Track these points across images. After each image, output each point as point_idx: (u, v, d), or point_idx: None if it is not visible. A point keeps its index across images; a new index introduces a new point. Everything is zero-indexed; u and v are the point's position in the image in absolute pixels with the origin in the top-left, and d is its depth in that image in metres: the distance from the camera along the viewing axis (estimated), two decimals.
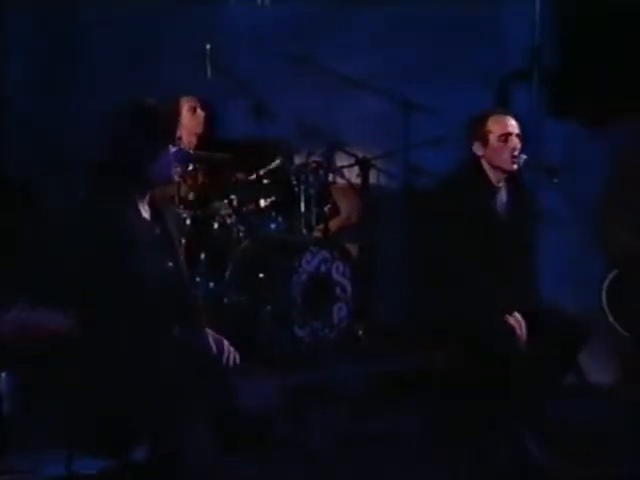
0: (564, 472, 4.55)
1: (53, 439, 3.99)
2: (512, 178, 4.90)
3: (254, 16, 6.75)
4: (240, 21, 6.80)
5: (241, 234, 5.92)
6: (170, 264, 3.73)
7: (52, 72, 6.83)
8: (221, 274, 5.74)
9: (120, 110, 3.73)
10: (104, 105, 3.95)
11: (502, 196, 4.91)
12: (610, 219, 5.08)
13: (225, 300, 5.70)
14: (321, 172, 6.09)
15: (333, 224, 6.28)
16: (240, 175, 6.05)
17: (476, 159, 4.87)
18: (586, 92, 5.99)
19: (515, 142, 4.82)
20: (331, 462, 4.60)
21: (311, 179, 6.02)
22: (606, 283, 5.04)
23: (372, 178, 6.27)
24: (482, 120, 4.85)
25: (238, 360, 3.80)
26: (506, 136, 4.82)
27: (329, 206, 6.17)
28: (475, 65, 6.30)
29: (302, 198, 5.98)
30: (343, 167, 6.28)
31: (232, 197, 5.95)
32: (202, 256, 5.74)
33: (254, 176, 5.96)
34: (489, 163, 4.86)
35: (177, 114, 3.84)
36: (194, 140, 6.18)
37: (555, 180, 4.92)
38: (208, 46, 6.03)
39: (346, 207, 6.37)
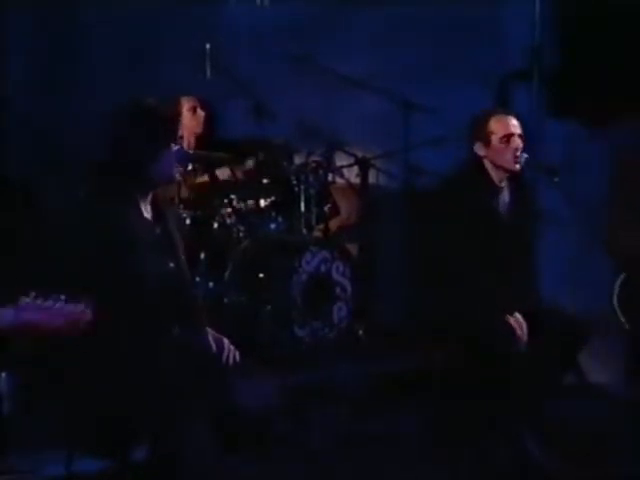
0: (564, 472, 4.55)
1: (53, 439, 4.00)
2: (514, 178, 4.89)
3: (254, 16, 6.75)
4: (240, 21, 6.80)
5: (241, 234, 5.92)
6: (171, 264, 3.73)
7: (52, 72, 6.83)
8: (221, 274, 5.74)
9: (120, 110, 3.73)
10: (104, 105, 3.95)
11: (504, 196, 4.90)
12: (615, 220, 5.09)
13: (225, 300, 5.70)
14: (321, 172, 6.09)
15: (333, 224, 6.27)
16: (240, 175, 6.06)
17: (478, 159, 4.87)
18: (586, 92, 5.99)
19: (517, 142, 4.81)
20: (331, 462, 4.60)
21: (311, 179, 6.02)
22: (617, 285, 5.05)
23: (372, 178, 6.27)
24: (484, 120, 4.84)
25: (238, 358, 3.80)
26: (508, 137, 4.81)
27: (329, 206, 6.17)
28: (475, 65, 6.30)
29: (302, 198, 5.98)
30: (343, 167, 6.28)
31: (232, 197, 5.95)
32: (202, 256, 5.74)
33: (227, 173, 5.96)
34: (492, 163, 4.85)
35: (178, 114, 3.83)
36: (193, 140, 6.18)
37: (555, 180, 4.92)
38: (208, 46, 6.03)
39: (346, 207, 6.36)
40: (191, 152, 6.00)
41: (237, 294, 5.71)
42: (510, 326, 4.66)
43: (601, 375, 5.76)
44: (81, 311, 3.27)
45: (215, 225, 5.91)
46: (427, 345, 4.92)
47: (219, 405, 3.60)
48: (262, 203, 6.02)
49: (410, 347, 5.23)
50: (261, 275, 5.71)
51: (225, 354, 3.78)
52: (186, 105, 6.13)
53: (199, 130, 6.21)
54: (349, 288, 5.83)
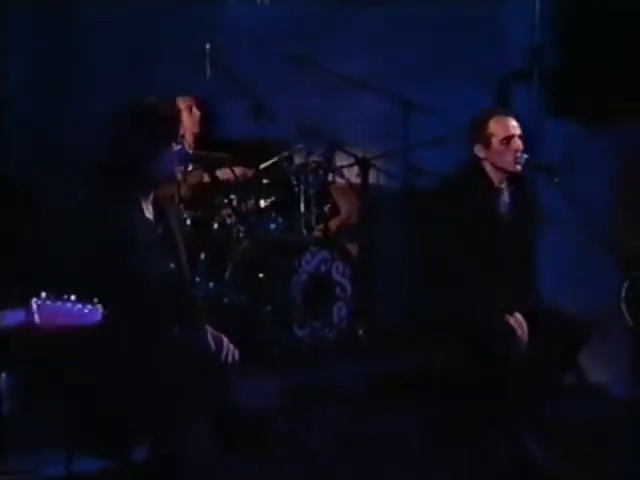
0: (564, 472, 4.55)
1: (53, 439, 4.00)
2: (515, 179, 4.89)
3: (254, 16, 6.75)
4: (240, 21, 6.80)
5: (241, 234, 5.92)
6: (172, 264, 3.73)
7: (52, 72, 6.83)
8: (221, 274, 5.74)
9: (120, 110, 3.73)
10: (104, 105, 3.95)
11: (504, 197, 4.90)
12: (617, 220, 5.09)
13: (225, 300, 5.70)
14: (321, 172, 6.09)
15: (333, 224, 6.27)
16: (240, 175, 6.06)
17: (477, 161, 4.86)
18: (586, 92, 5.99)
19: (518, 144, 4.81)
20: (331, 462, 4.60)
21: (311, 179, 6.02)
22: (625, 286, 5.05)
23: (372, 178, 6.27)
24: (484, 122, 4.83)
25: (237, 357, 3.80)
26: (509, 138, 4.80)
27: (329, 206, 6.17)
28: (475, 65, 6.30)
29: (302, 198, 5.99)
30: (343, 167, 6.27)
31: (232, 197, 5.95)
32: (202, 256, 5.74)
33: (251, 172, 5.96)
34: (492, 165, 4.85)
35: (179, 113, 3.83)
36: (191, 140, 6.18)
37: (555, 180, 4.91)
38: (208, 46, 6.03)
39: (346, 207, 6.36)
40: (190, 152, 6.00)
41: (237, 294, 5.71)
42: (510, 326, 4.66)
43: (601, 375, 5.76)
44: (91, 311, 3.30)
45: (215, 225, 5.92)
46: (427, 345, 4.92)
47: (219, 405, 3.60)
48: (262, 203, 6.02)
49: (410, 347, 5.23)
50: (261, 275, 5.71)
51: (224, 353, 3.78)
52: (182, 105, 6.12)
53: (196, 129, 6.22)
54: (349, 288, 5.83)
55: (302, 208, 6.00)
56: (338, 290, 5.80)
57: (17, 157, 6.63)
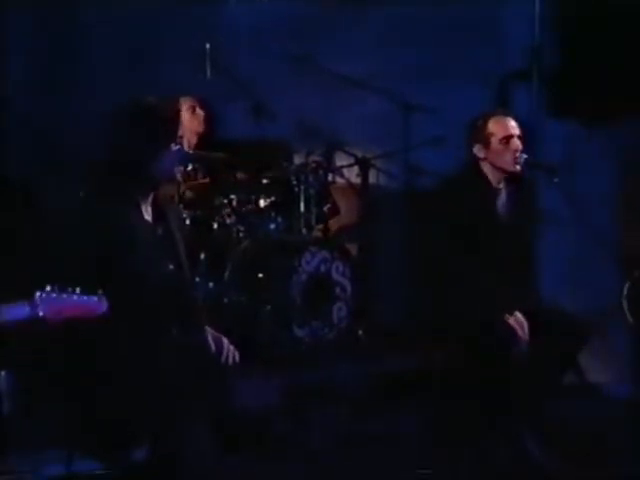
0: (564, 472, 4.55)
1: (53, 439, 3.99)
2: (513, 179, 4.89)
3: (254, 16, 6.74)
4: (240, 21, 6.80)
5: (241, 234, 5.92)
6: (171, 265, 3.73)
7: (52, 72, 6.83)
8: (221, 274, 5.74)
9: (120, 110, 3.73)
10: (104, 105, 3.95)
11: (502, 197, 4.90)
12: (618, 220, 5.09)
13: (225, 300, 5.70)
14: (321, 172, 6.09)
15: (333, 224, 6.27)
16: (240, 175, 6.05)
17: (476, 161, 4.87)
18: (586, 92, 5.99)
19: (517, 144, 4.81)
20: (331, 462, 4.60)
21: (311, 179, 6.02)
22: (626, 285, 5.05)
23: (372, 178, 6.27)
24: (483, 122, 4.84)
25: (237, 358, 3.80)
26: (508, 138, 4.81)
27: (329, 206, 6.16)
28: (475, 65, 6.30)
29: (302, 198, 5.98)
30: (343, 167, 6.27)
31: (232, 197, 5.95)
32: (202, 256, 5.73)
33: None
34: (491, 165, 4.85)
35: (178, 113, 3.82)
36: (194, 140, 6.16)
37: (555, 180, 4.91)
38: (208, 46, 6.03)
39: (346, 207, 6.36)
40: (190, 152, 5.99)
41: (237, 294, 5.71)
42: (510, 326, 4.67)
43: (601, 375, 5.77)
44: (97, 301, 3.31)
45: (215, 225, 5.91)
46: (427, 345, 4.92)
47: (219, 405, 3.60)
48: (262, 203, 6.02)
49: (410, 347, 5.23)
50: (261, 275, 5.71)
51: (224, 354, 3.78)
52: (184, 105, 6.11)
53: (200, 129, 6.18)
54: (349, 288, 5.83)
55: (302, 208, 5.99)
56: (338, 290, 5.79)
57: (17, 157, 6.62)
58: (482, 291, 4.71)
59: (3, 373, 4.16)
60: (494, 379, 4.69)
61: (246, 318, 5.63)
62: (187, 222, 5.77)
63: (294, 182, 5.99)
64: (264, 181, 6.03)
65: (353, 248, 6.17)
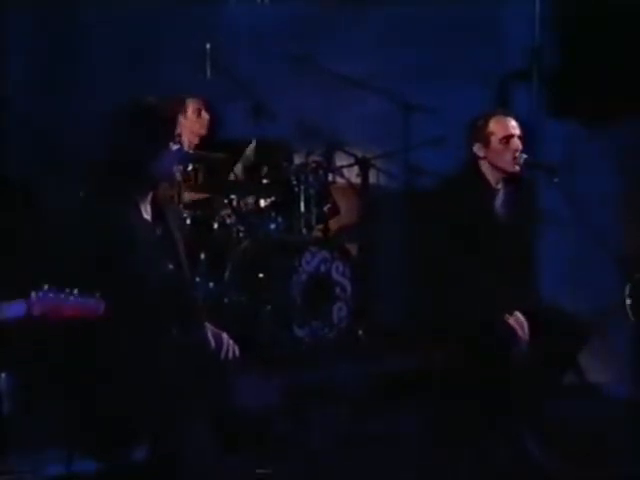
0: (564, 472, 4.55)
1: (53, 439, 3.99)
2: (513, 179, 4.89)
3: (254, 16, 6.75)
4: (240, 21, 6.80)
5: (241, 234, 5.92)
6: (171, 264, 3.73)
7: (52, 72, 6.83)
8: (221, 274, 5.74)
9: (120, 110, 3.73)
10: (104, 105, 3.95)
11: (501, 197, 4.90)
12: (618, 220, 5.09)
13: (225, 300, 5.70)
14: (321, 172, 6.09)
15: (333, 224, 6.27)
16: (240, 175, 6.05)
17: (475, 161, 4.87)
18: (586, 92, 5.99)
19: (517, 144, 4.81)
20: (331, 462, 4.60)
21: (311, 179, 6.02)
22: (629, 285, 5.04)
23: (372, 178, 6.27)
24: (483, 122, 4.84)
25: (238, 353, 3.80)
26: (508, 138, 4.81)
27: (329, 206, 6.16)
28: (475, 65, 6.30)
29: (302, 198, 5.98)
30: (343, 167, 6.28)
31: (232, 197, 5.95)
32: (202, 256, 5.73)
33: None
34: (491, 164, 4.85)
35: (177, 112, 3.82)
36: (196, 141, 6.16)
37: (555, 180, 4.91)
38: (208, 46, 6.03)
39: (346, 207, 6.36)
40: (190, 152, 5.99)
41: (237, 294, 5.71)
42: (510, 326, 4.67)
43: (601, 375, 5.76)
44: (94, 302, 3.31)
45: (215, 225, 5.91)
46: (427, 345, 4.92)
47: (219, 405, 3.60)
48: (262, 203, 6.02)
49: (410, 347, 5.23)
50: (261, 275, 5.71)
51: (224, 349, 3.77)
52: (191, 107, 6.08)
53: (203, 132, 6.14)
54: (349, 288, 5.83)
55: (302, 208, 5.99)
56: (338, 290, 5.80)
57: (17, 157, 6.63)
58: (482, 291, 4.71)
59: (3, 375, 4.17)
60: (494, 379, 4.69)
61: (246, 318, 5.64)
62: (187, 222, 5.77)
63: (294, 182, 6.00)
64: (264, 181, 6.03)
65: (353, 248, 6.18)
